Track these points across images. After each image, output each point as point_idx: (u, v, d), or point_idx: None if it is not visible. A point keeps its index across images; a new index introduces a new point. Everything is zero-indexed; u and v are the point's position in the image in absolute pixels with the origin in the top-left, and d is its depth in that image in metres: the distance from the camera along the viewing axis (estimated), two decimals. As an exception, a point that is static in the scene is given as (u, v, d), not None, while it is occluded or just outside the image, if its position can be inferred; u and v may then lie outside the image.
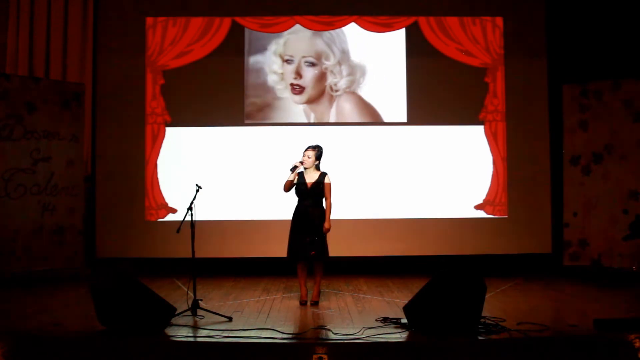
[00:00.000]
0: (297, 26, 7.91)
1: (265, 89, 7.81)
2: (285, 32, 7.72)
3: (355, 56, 7.95)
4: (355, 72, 7.39)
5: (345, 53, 7.70)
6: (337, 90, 7.48)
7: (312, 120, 7.94)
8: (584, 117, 7.63)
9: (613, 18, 7.84)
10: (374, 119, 8.08)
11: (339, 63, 7.24)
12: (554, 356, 4.43)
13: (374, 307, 5.80)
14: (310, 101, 7.22)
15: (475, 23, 8.20)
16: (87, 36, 8.14)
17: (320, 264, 5.97)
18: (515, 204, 8.09)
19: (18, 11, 7.98)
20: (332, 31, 7.40)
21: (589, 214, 7.52)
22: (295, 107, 7.81)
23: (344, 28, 8.01)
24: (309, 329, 4.87)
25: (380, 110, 8.11)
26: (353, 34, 8.02)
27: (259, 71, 7.22)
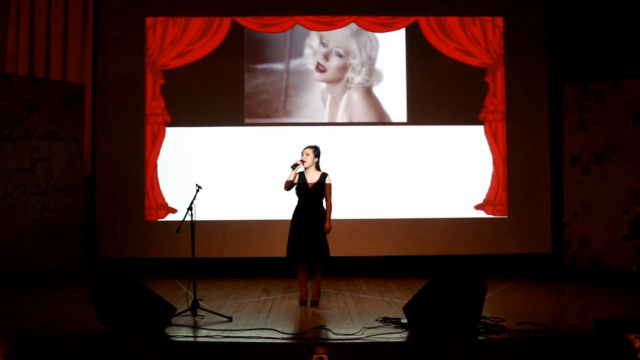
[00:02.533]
0: (313, 30, 8.02)
1: (305, 89, 8.03)
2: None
3: (378, 63, 8.05)
4: (372, 75, 7.99)
5: (371, 59, 8.02)
6: (350, 84, 7.97)
7: (327, 103, 7.99)
8: (584, 117, 7.63)
9: (613, 18, 7.84)
10: (378, 114, 8.09)
11: (362, 65, 7.95)
12: (554, 356, 4.43)
13: (374, 307, 5.80)
14: (328, 81, 7.87)
15: (475, 23, 8.20)
16: (87, 36, 8.14)
17: (320, 264, 5.97)
18: (515, 204, 8.09)
19: (18, 11, 7.98)
20: (367, 37, 7.98)
21: (589, 214, 7.53)
22: (293, 100, 7.98)
23: (379, 38, 8.06)
24: (309, 329, 4.88)
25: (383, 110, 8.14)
26: (385, 44, 8.05)
27: (302, 73, 8.02)
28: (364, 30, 8.03)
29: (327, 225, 5.84)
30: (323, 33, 7.90)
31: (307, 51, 7.89)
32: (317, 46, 7.66)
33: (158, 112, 8.09)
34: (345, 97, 7.98)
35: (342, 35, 7.88)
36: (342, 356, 4.36)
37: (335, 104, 8.02)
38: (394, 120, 8.14)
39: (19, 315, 5.43)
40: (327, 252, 5.89)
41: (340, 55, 7.64)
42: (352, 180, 7.87)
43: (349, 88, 8.02)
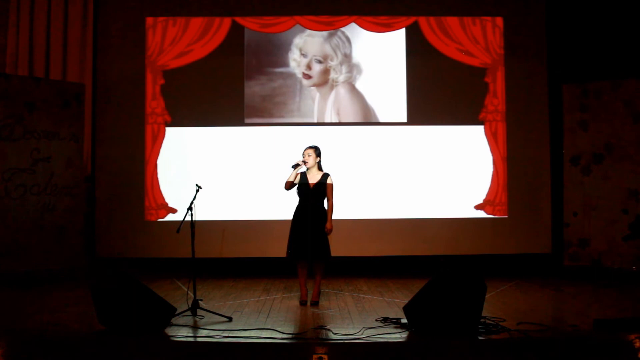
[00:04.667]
0: (313, 30, 8.13)
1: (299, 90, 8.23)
2: (304, 34, 8.14)
3: (355, 58, 8.15)
4: (353, 70, 8.16)
5: (347, 56, 8.15)
6: (336, 83, 8.14)
7: (316, 101, 8.09)
8: (584, 117, 7.63)
9: (613, 18, 7.84)
10: (362, 106, 8.12)
11: (341, 64, 8.14)
12: (554, 356, 4.43)
13: (374, 307, 5.80)
14: (317, 85, 8.13)
15: (475, 23, 8.20)
16: (87, 36, 8.14)
17: (321, 264, 5.97)
18: (515, 204, 8.09)
19: (18, 11, 7.98)
20: (339, 38, 8.15)
21: (589, 214, 7.52)
22: (307, 102, 8.11)
23: (350, 35, 8.13)
24: (309, 329, 4.87)
25: (379, 109, 8.15)
26: (356, 38, 8.16)
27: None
28: (335, 33, 8.14)
29: (328, 225, 5.84)
30: (301, 45, 8.12)
31: (292, 63, 8.12)
32: (298, 57, 8.07)
33: (158, 112, 8.09)
34: (332, 94, 8.11)
35: (317, 43, 8.15)
36: (342, 356, 4.36)
37: (323, 101, 8.13)
38: (393, 120, 8.14)
39: (19, 315, 5.42)
40: (328, 252, 5.89)
41: (319, 62, 8.07)
42: (352, 180, 7.87)
43: (336, 86, 8.12)
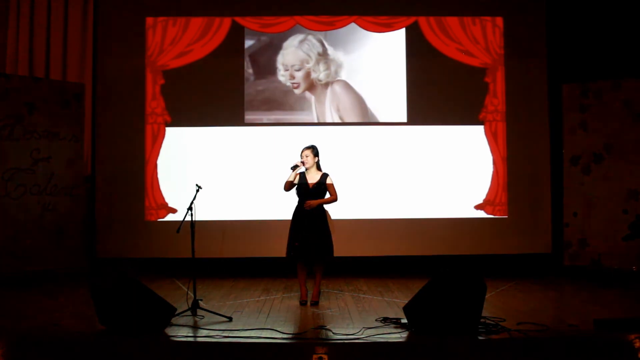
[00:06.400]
0: (288, 42, 8.17)
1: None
2: (281, 49, 8.20)
3: (331, 54, 8.21)
4: (330, 67, 8.23)
5: (321, 55, 8.22)
6: (320, 81, 8.21)
7: (313, 104, 8.15)
8: (584, 117, 7.63)
9: (613, 18, 7.85)
10: (360, 102, 8.14)
11: (317, 63, 8.23)
12: (554, 356, 4.43)
13: (374, 307, 5.80)
14: (307, 89, 8.21)
15: (475, 23, 8.20)
16: (87, 36, 8.15)
17: (321, 264, 5.97)
18: (515, 204, 8.09)
19: (18, 11, 7.99)
20: (308, 42, 8.26)
21: (589, 214, 7.52)
22: (307, 103, 8.22)
23: (348, 35, 8.15)
24: (309, 329, 4.87)
25: (379, 109, 8.15)
26: (356, 38, 8.18)
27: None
28: (305, 39, 8.19)
29: (312, 202, 5.83)
30: (281, 60, 8.20)
31: (281, 78, 8.21)
32: (283, 72, 8.24)
33: (158, 112, 8.09)
34: (328, 93, 8.16)
35: (291, 54, 8.25)
36: (342, 356, 4.37)
37: (320, 102, 8.16)
38: (393, 120, 8.14)
39: (19, 315, 5.42)
40: (330, 252, 5.89)
41: (299, 69, 8.21)
42: (352, 180, 7.87)
43: (328, 85, 8.14)
